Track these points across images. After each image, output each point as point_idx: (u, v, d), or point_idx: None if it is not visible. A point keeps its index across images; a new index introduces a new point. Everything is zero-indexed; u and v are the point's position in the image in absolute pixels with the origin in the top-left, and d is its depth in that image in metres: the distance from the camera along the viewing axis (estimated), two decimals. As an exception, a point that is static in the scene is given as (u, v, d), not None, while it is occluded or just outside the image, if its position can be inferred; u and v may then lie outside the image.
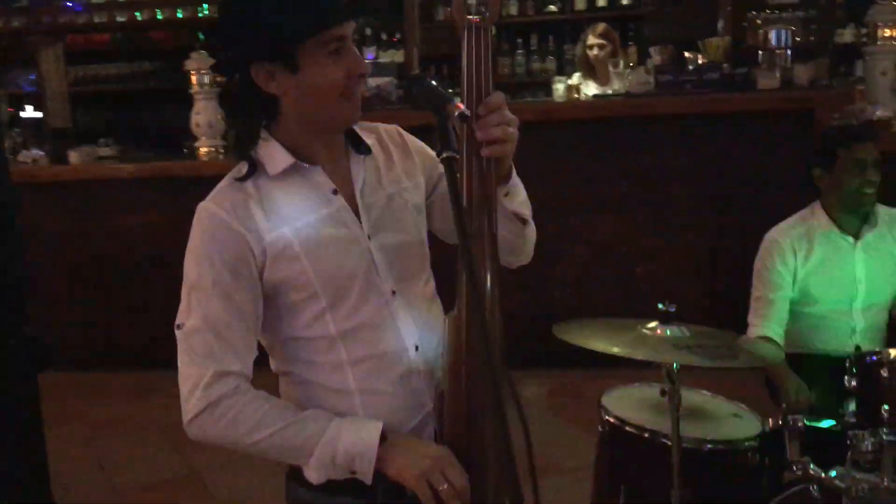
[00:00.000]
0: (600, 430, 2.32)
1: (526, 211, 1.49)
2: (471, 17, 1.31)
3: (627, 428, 2.26)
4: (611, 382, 2.41)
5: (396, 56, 6.29)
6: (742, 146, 3.99)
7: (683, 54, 4.40)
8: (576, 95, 4.54)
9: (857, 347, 2.68)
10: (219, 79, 4.32)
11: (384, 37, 6.44)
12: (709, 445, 2.17)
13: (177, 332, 1.42)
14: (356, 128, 1.50)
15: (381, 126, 1.57)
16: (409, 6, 4.76)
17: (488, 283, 1.33)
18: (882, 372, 1.93)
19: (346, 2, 1.33)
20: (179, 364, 1.42)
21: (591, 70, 4.81)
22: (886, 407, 1.90)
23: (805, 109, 3.86)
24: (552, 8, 6.44)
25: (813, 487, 2.05)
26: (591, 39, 4.79)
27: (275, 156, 1.43)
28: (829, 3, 4.17)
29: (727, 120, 3.98)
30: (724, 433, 2.21)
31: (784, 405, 2.36)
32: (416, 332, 1.47)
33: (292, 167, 1.42)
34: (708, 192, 4.08)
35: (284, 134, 1.44)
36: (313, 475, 1.39)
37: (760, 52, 4.14)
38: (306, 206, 1.42)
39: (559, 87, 4.49)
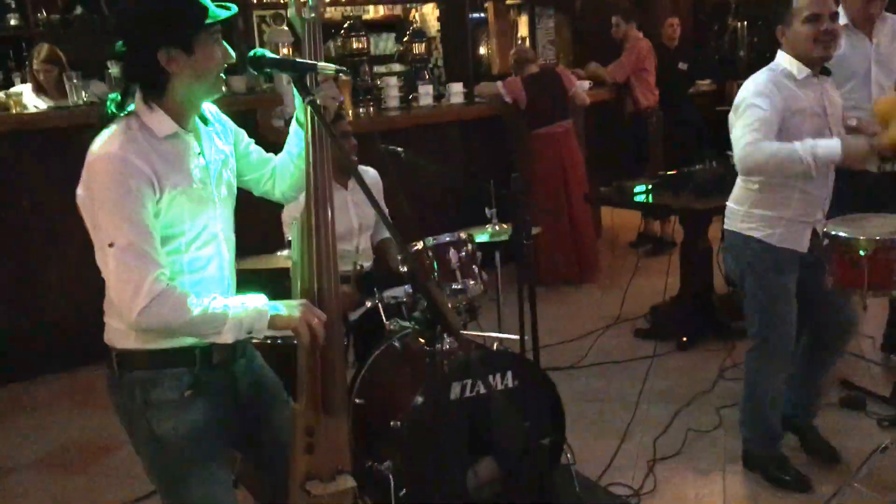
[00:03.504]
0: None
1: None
2: (306, 16, 1.97)
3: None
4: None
5: None
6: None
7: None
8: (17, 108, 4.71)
9: (360, 266, 3.81)
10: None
11: None
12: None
13: (110, 250, 1.75)
14: None
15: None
16: None
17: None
18: (427, 254, 3.06)
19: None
20: (118, 273, 1.75)
21: (41, 87, 5.01)
22: (435, 274, 3.04)
23: (250, 110, 4.88)
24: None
25: (395, 343, 3.11)
26: (37, 64, 5.01)
27: (162, 122, 1.85)
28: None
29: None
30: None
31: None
32: (230, 262, 2.05)
33: (176, 133, 1.87)
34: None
35: (168, 105, 1.86)
36: (228, 337, 1.85)
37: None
38: (185, 162, 1.89)
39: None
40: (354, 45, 5.71)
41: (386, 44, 7.98)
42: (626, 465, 3.35)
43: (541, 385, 2.93)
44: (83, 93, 4.74)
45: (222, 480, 2.00)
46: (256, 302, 1.91)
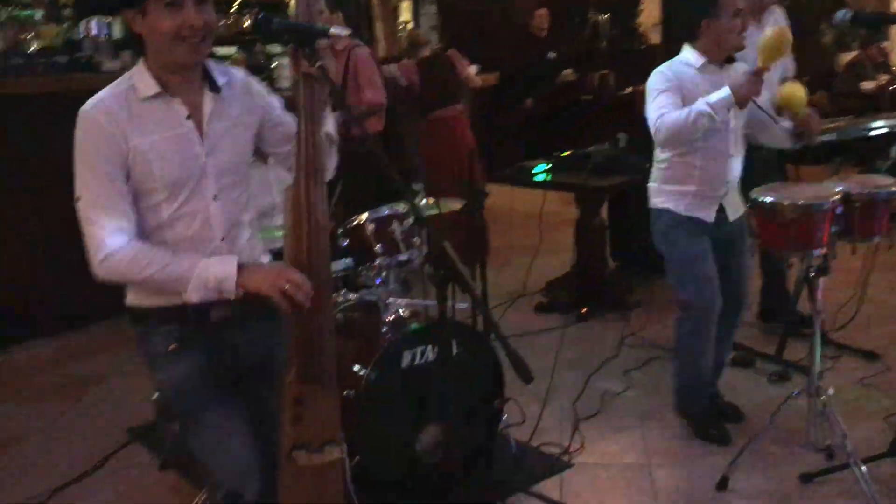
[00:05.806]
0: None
1: (335, 135, 2.10)
2: None
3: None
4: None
5: None
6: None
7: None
8: None
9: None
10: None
11: None
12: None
13: (78, 204, 1.83)
14: (212, 69, 1.95)
15: (232, 69, 2.04)
16: None
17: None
18: (368, 227, 3.11)
19: None
20: (84, 226, 1.84)
21: None
22: (378, 246, 3.09)
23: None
24: None
25: (337, 315, 3.14)
26: None
27: (146, 83, 1.86)
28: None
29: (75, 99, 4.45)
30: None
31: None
32: (226, 226, 2.01)
33: (157, 95, 1.87)
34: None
35: (152, 66, 1.87)
36: (193, 297, 1.87)
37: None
38: (163, 125, 1.89)
39: None
40: (246, 23, 5.60)
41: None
42: (552, 427, 3.54)
43: (485, 352, 3.05)
44: None
45: (221, 426, 2.02)
46: (225, 263, 1.89)
